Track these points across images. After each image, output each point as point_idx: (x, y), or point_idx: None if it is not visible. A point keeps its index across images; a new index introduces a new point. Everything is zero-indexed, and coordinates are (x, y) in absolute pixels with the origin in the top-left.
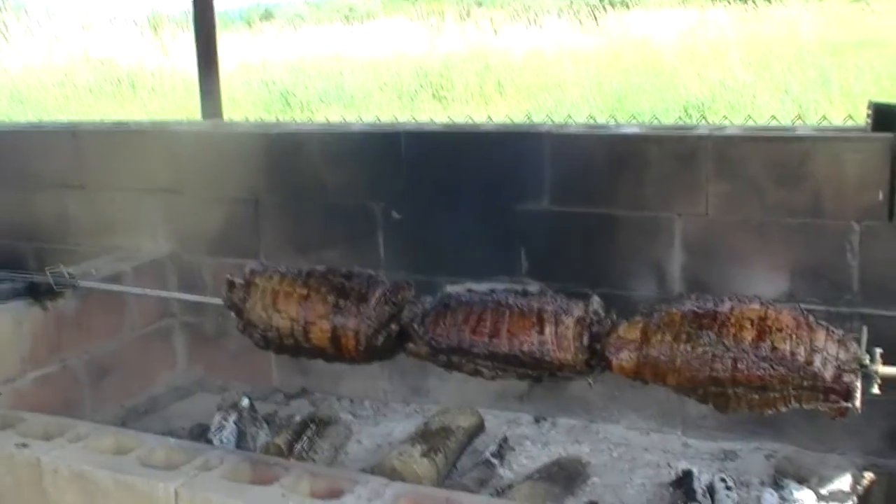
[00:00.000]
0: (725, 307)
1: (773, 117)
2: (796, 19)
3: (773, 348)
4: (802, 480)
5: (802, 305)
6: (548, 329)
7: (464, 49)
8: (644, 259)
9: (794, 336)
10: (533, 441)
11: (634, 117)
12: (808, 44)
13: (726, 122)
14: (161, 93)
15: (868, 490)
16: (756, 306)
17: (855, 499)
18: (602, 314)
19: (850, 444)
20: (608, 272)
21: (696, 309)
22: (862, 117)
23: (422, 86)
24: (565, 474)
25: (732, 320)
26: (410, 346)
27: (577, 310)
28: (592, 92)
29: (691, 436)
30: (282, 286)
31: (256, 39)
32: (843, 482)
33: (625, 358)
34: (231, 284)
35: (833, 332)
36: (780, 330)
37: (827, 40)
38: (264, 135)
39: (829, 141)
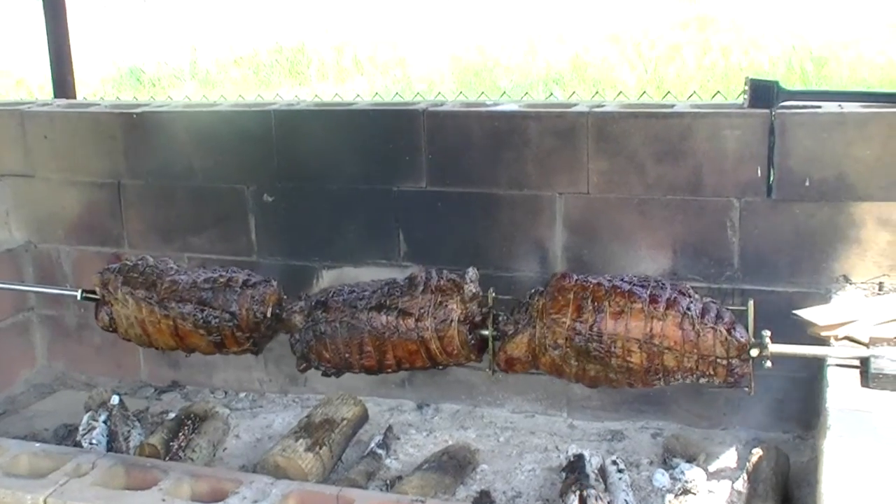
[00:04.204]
0: (608, 326)
1: (645, 92)
2: None
3: (664, 368)
4: (691, 458)
5: (684, 283)
6: (433, 345)
7: (318, 22)
8: (526, 239)
9: (681, 351)
10: (417, 428)
11: (506, 93)
12: (655, 19)
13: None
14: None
15: (756, 465)
16: (639, 321)
17: (744, 474)
18: (480, 293)
19: (733, 419)
20: (489, 253)
21: (578, 330)
22: (710, 91)
23: (277, 61)
24: (455, 463)
25: (619, 345)
26: (303, 365)
27: (455, 306)
28: (451, 67)
29: (577, 417)
30: (142, 313)
31: (99, 10)
32: (730, 458)
33: (518, 369)
34: (92, 303)
35: (719, 329)
36: (668, 349)
37: (672, 17)
38: (126, 115)
39: (708, 117)
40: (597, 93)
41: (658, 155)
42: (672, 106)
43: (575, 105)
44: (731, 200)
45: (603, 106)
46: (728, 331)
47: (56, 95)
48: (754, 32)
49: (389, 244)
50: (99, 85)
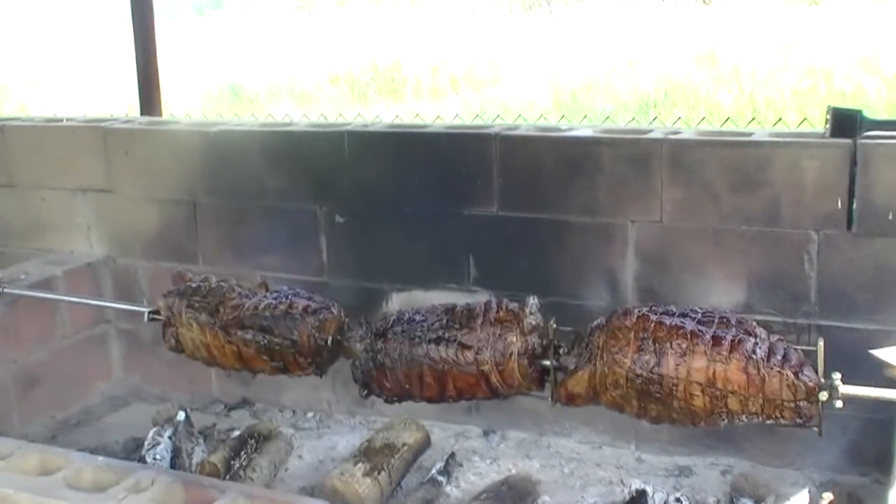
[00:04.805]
0: (670, 369)
1: (729, 118)
2: (747, 17)
3: (728, 410)
4: (759, 499)
5: (759, 318)
6: (493, 378)
7: (416, 40)
8: (596, 267)
9: (746, 395)
10: (482, 456)
11: (587, 117)
12: (759, 42)
13: (680, 124)
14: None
15: None
16: (702, 363)
17: None
18: (542, 323)
19: (807, 459)
20: (559, 281)
21: (638, 372)
22: (811, 116)
23: (373, 79)
24: (514, 494)
25: (681, 388)
26: (365, 392)
27: (515, 338)
28: (546, 88)
29: (645, 450)
30: (206, 337)
31: (206, 29)
32: (801, 501)
33: (580, 403)
34: (159, 323)
35: (785, 372)
36: (732, 392)
37: (776, 40)
38: (202, 133)
39: (787, 146)
40: (679, 119)
41: (734, 184)
42: (750, 134)
43: (650, 132)
44: (810, 233)
45: (679, 133)
46: (795, 374)
47: (142, 113)
48: (859, 56)
49: (459, 269)
50: (199, 101)
